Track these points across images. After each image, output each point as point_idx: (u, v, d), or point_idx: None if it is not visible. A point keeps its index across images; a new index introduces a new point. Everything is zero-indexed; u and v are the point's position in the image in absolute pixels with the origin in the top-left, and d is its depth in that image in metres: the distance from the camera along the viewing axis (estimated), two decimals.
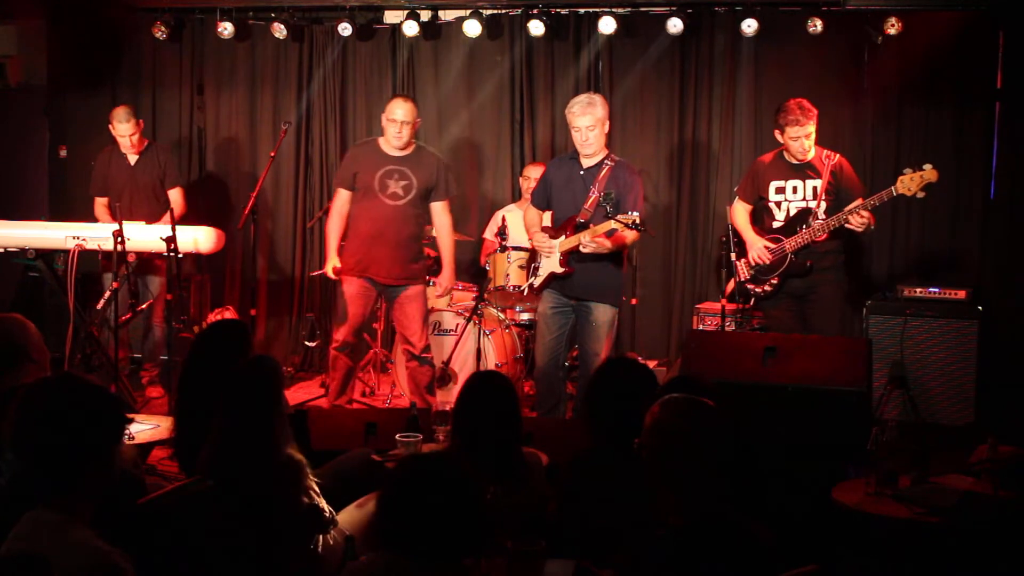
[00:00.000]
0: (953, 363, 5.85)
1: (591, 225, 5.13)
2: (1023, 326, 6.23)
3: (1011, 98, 6.45)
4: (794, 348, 4.59)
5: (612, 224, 4.91)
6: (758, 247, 5.49)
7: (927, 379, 5.86)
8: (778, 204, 5.51)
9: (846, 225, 5.22)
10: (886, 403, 5.74)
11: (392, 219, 5.64)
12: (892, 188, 5.14)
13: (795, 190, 5.46)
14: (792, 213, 5.45)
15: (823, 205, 5.36)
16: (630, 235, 5.06)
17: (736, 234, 5.61)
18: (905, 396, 5.76)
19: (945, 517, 3.36)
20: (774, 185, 5.52)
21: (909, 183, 5.11)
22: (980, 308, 5.89)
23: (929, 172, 5.10)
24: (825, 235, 5.33)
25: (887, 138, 6.77)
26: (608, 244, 5.06)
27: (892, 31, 6.37)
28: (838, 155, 5.47)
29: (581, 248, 5.08)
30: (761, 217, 5.63)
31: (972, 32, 6.49)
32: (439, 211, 5.78)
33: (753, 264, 5.52)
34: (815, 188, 5.40)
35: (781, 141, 5.46)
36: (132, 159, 6.58)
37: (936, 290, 5.99)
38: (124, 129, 6.45)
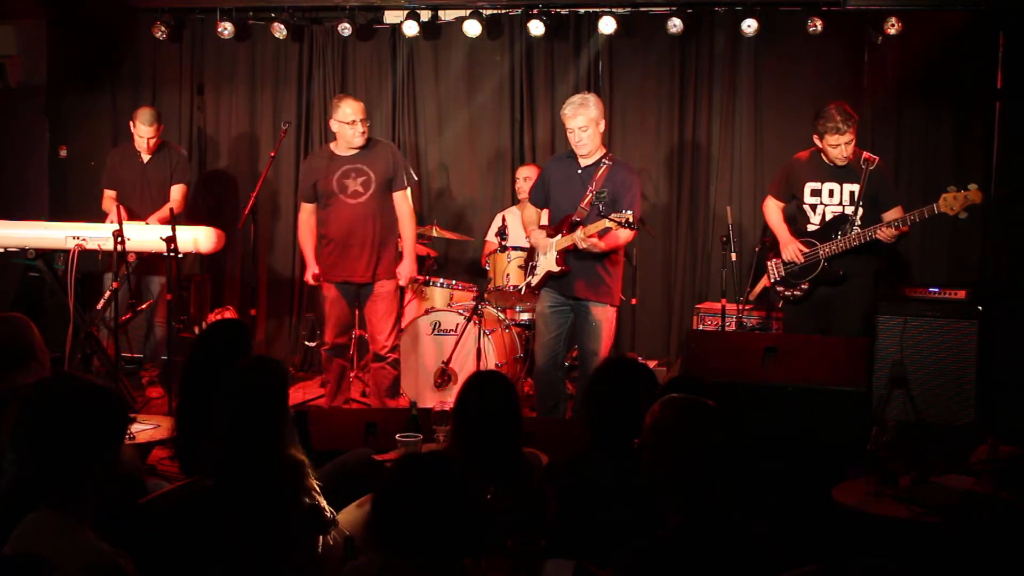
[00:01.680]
0: (953, 363, 5.83)
1: (585, 224, 5.13)
2: (1023, 326, 6.23)
3: (1011, 98, 6.44)
4: (794, 348, 4.60)
5: (606, 223, 4.91)
6: (792, 247, 5.39)
7: (927, 379, 5.84)
8: (813, 207, 5.40)
9: (877, 236, 5.12)
10: (886, 403, 5.74)
11: (358, 217, 5.68)
12: (934, 205, 5.02)
13: (831, 193, 5.36)
14: (828, 218, 5.34)
15: (860, 211, 5.25)
16: (623, 235, 5.05)
17: (738, 233, 5.58)
18: (905, 396, 5.75)
19: (945, 517, 3.36)
20: (809, 186, 5.40)
21: (952, 202, 4.99)
22: (980, 308, 5.89)
23: (974, 193, 4.98)
24: (860, 243, 5.23)
25: (887, 138, 6.76)
26: (601, 244, 5.06)
27: (892, 31, 6.37)
28: (877, 158, 5.31)
29: (577, 245, 5.08)
30: (795, 218, 5.55)
31: (972, 32, 6.49)
32: (399, 200, 5.79)
33: (786, 262, 5.43)
34: (852, 193, 5.28)
35: (819, 146, 5.33)
36: (145, 157, 6.63)
37: (936, 290, 5.98)
38: (145, 132, 6.53)
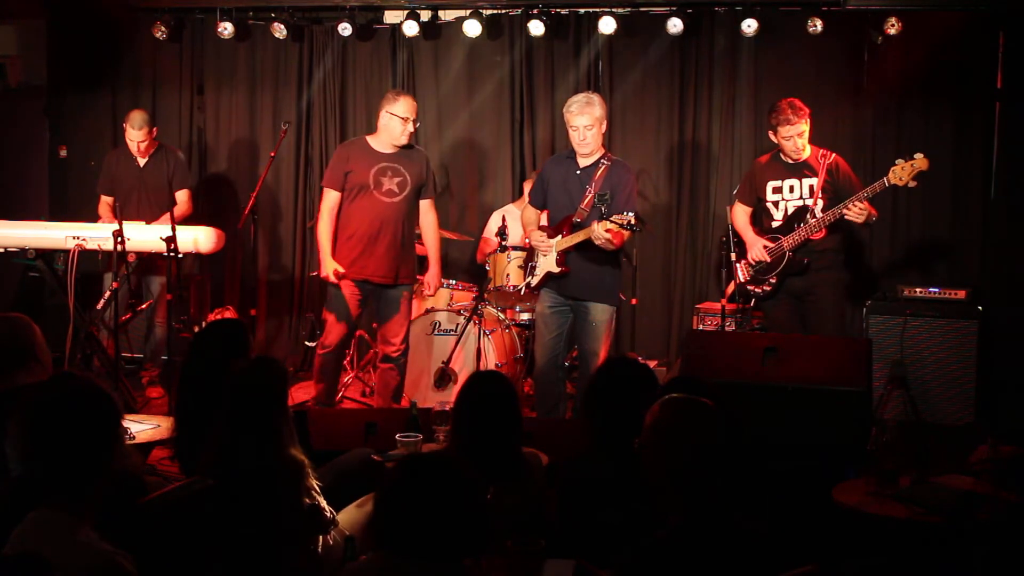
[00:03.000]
0: (953, 363, 5.85)
1: (585, 226, 5.12)
2: (1023, 326, 6.23)
3: (1011, 98, 6.44)
4: (794, 348, 4.59)
5: (608, 224, 4.91)
6: (757, 246, 5.53)
7: (927, 379, 5.86)
8: (775, 204, 5.54)
9: (845, 216, 5.23)
10: (886, 403, 5.75)
11: (389, 217, 5.57)
12: (884, 179, 5.19)
13: (792, 189, 5.49)
14: (790, 212, 5.48)
15: (820, 203, 5.39)
16: (624, 232, 5.05)
17: (736, 235, 5.63)
18: (905, 396, 5.76)
19: (945, 517, 3.36)
20: (771, 185, 5.54)
21: (901, 172, 5.15)
22: (980, 308, 5.90)
23: (920, 161, 5.13)
24: (823, 232, 5.36)
25: (887, 138, 6.77)
26: (615, 243, 5.06)
27: (892, 31, 6.37)
28: (834, 154, 5.50)
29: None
30: (760, 218, 5.66)
31: (972, 32, 6.49)
32: (426, 209, 5.75)
33: (753, 263, 5.53)
34: (811, 186, 5.43)
35: (775, 141, 5.50)
36: (142, 161, 6.62)
37: (936, 290, 6.00)
38: (134, 135, 6.50)
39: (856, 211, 5.18)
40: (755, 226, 5.66)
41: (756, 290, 5.57)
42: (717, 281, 6.64)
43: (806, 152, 5.45)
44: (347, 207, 5.63)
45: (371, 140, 5.66)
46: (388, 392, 5.80)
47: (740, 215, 5.73)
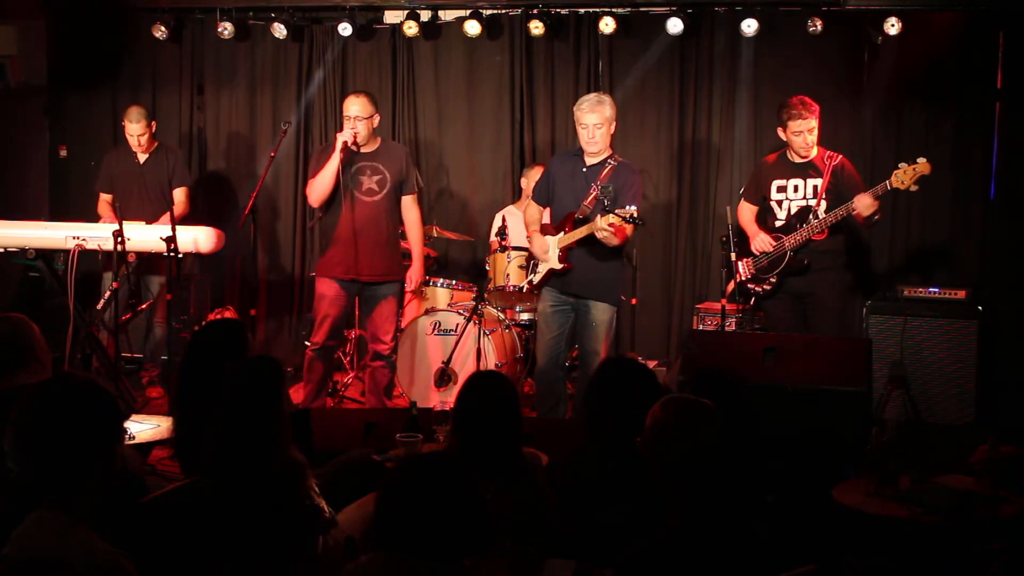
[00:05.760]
0: (953, 363, 5.85)
1: (588, 222, 5.12)
2: (1023, 326, 6.23)
3: (1011, 98, 6.44)
4: (794, 348, 4.59)
5: (611, 218, 4.91)
6: (761, 237, 5.52)
7: (927, 379, 5.86)
8: (779, 203, 5.54)
9: (852, 213, 5.20)
10: (886, 403, 5.75)
11: (371, 215, 5.60)
12: (887, 182, 5.18)
13: (796, 189, 5.49)
14: (793, 212, 5.48)
15: (823, 204, 5.38)
16: (628, 229, 5.05)
17: (737, 234, 5.63)
18: (905, 396, 5.76)
19: (945, 517, 3.36)
20: (776, 184, 5.54)
21: (903, 176, 5.15)
22: (980, 308, 5.90)
23: (922, 165, 5.13)
24: (825, 233, 5.35)
25: (887, 138, 6.77)
26: (615, 240, 5.05)
27: (892, 31, 6.37)
28: (840, 156, 5.49)
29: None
30: (764, 217, 5.65)
31: (972, 32, 6.49)
32: (408, 205, 5.76)
33: (757, 254, 5.52)
34: (816, 187, 5.42)
35: (784, 138, 5.48)
36: (142, 159, 6.63)
37: (936, 290, 6.00)
38: (134, 129, 6.52)
39: (865, 204, 5.13)
40: (759, 224, 5.65)
41: (756, 289, 5.57)
42: (718, 281, 6.63)
43: (814, 151, 5.44)
44: (329, 207, 5.65)
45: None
46: (379, 390, 5.80)
47: (745, 212, 5.72)
